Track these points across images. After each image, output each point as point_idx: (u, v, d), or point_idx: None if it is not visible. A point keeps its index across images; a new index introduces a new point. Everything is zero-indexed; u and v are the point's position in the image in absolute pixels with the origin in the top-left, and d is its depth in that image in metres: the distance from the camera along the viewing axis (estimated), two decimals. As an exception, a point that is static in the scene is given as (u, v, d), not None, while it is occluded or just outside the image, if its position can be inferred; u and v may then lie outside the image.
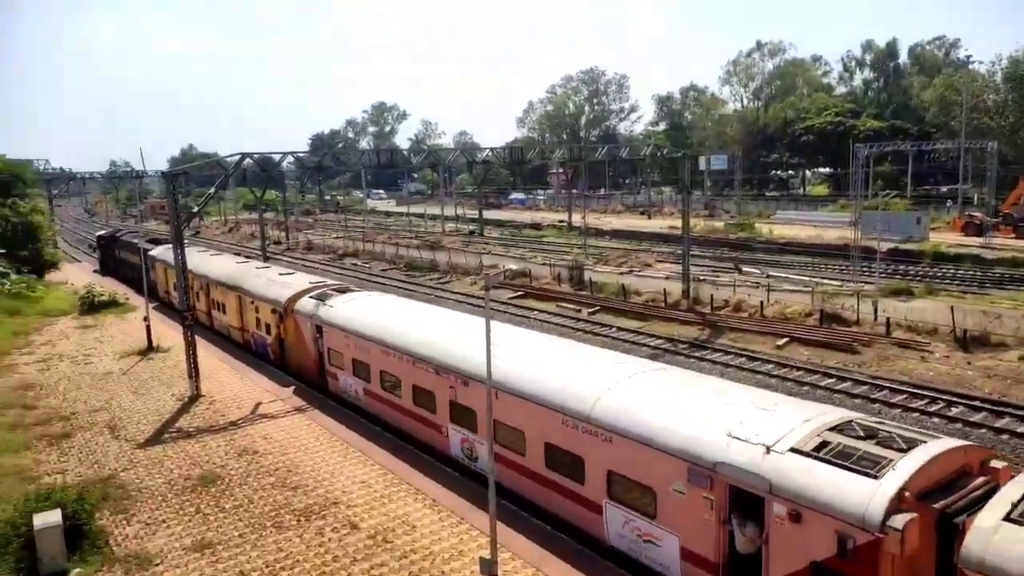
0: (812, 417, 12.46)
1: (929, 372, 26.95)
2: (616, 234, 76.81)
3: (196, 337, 27.05)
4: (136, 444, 21.49)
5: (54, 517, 14.82)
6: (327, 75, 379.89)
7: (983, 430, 21.69)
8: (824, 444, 11.53)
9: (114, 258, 59.53)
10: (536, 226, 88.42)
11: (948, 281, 44.72)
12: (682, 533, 12.74)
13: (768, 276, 46.58)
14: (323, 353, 25.56)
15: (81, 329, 38.25)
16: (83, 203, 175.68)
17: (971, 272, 47.33)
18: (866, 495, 10.29)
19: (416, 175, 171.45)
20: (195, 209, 39.67)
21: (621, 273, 50.39)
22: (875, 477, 10.49)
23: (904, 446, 11.13)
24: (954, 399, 23.96)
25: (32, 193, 72.21)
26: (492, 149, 44.08)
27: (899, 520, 9.77)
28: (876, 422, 12.63)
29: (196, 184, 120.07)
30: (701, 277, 43.90)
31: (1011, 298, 37.75)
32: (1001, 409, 22.98)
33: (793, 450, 11.50)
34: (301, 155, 36.08)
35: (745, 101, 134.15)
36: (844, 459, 11.06)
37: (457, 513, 16.52)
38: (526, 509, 16.30)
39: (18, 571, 14.59)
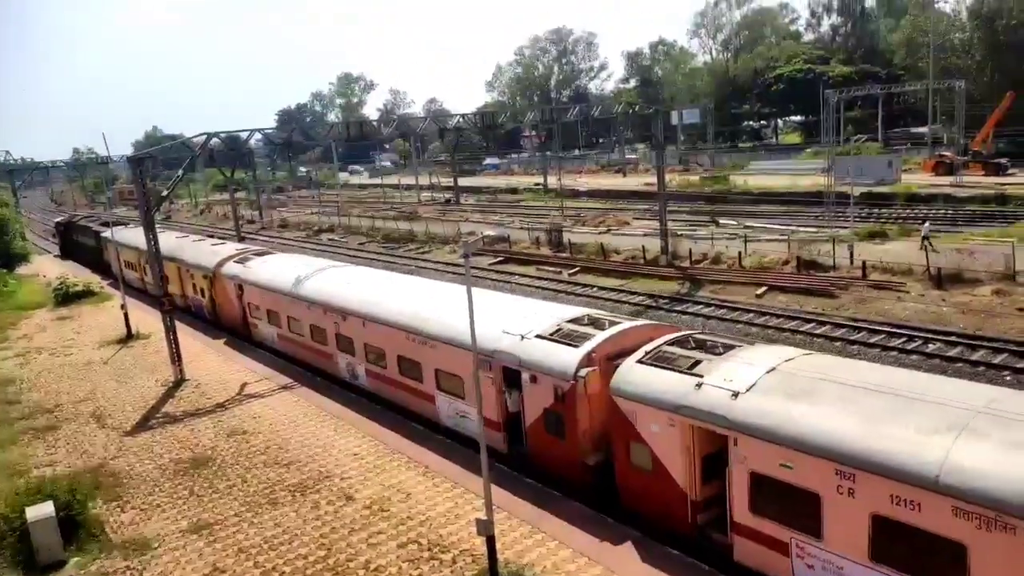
0: (560, 314, 17.67)
1: (905, 311, 27.44)
2: (592, 194, 76.69)
3: (176, 322, 26.80)
4: (124, 432, 21.39)
5: (47, 509, 14.78)
6: (289, 46, 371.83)
7: (960, 364, 22.20)
8: (558, 330, 16.44)
9: (72, 242, 63.27)
10: (512, 190, 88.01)
11: (921, 222, 45.25)
12: (478, 405, 15.30)
13: (745, 227, 46.90)
14: (245, 307, 30.00)
15: (58, 321, 37.72)
16: (49, 193, 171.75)
17: (943, 211, 47.96)
18: (569, 359, 15.15)
19: (388, 146, 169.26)
20: (164, 193, 38.91)
21: (599, 233, 50.47)
22: (576, 347, 15.40)
23: (605, 326, 16.29)
24: (930, 336, 24.47)
25: (-5, 186, 70.55)
26: (463, 115, 43.59)
27: (584, 372, 14.67)
28: (607, 314, 18.39)
29: (164, 167, 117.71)
30: (679, 232, 44.08)
31: (983, 234, 38.35)
32: (976, 343, 23.52)
33: (538, 336, 16.40)
34: (269, 131, 35.46)
35: (714, 53, 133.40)
36: (564, 338, 16.00)
37: (450, 478, 16.69)
38: (402, 413, 20.46)
39: (16, 564, 14.59)
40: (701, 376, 12.91)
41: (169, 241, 37.98)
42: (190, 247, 37.36)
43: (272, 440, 19.81)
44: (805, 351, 15.15)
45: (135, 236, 38.87)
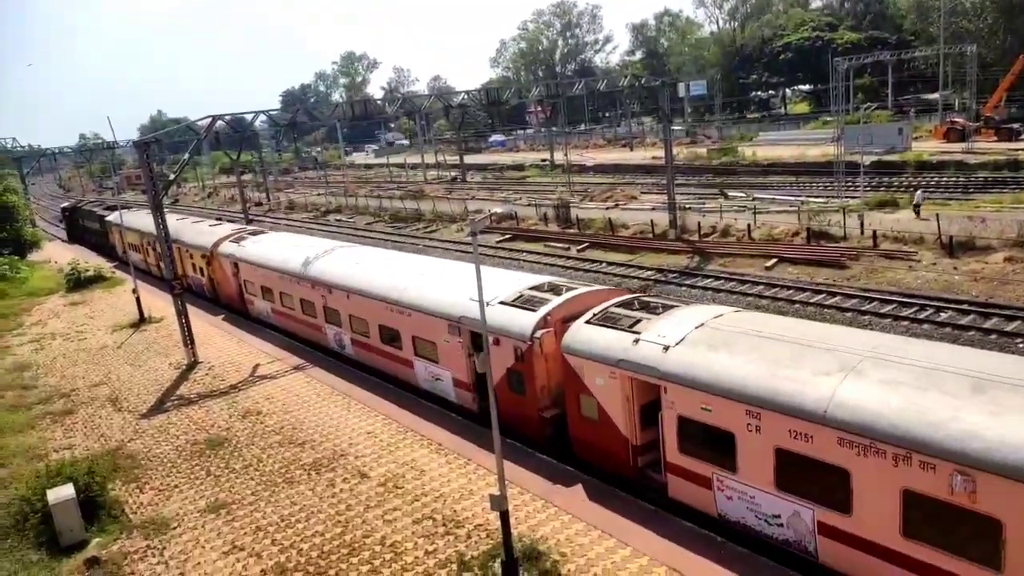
0: (525, 282, 18.97)
1: (917, 280, 27.28)
2: (599, 169, 76.25)
3: (188, 305, 26.98)
4: (139, 414, 21.65)
5: (67, 491, 15.03)
6: (293, 26, 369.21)
7: (972, 332, 22.11)
8: (520, 296, 17.72)
9: (78, 226, 65.14)
10: (519, 167, 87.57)
11: (932, 189, 44.82)
12: (451, 368, 19.09)
13: (754, 199, 46.55)
14: (241, 284, 31.26)
15: (70, 306, 38.03)
16: (56, 179, 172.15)
17: (954, 178, 47.44)
18: (527, 322, 16.60)
19: (393, 125, 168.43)
20: (171, 177, 39.02)
21: (607, 208, 50.24)
22: (534, 311, 16.81)
23: (562, 291, 17.54)
24: (943, 304, 24.36)
25: (3, 173, 70.79)
26: (467, 92, 43.15)
27: (539, 333, 16.27)
28: (567, 281, 19.64)
29: (170, 151, 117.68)
30: (687, 205, 43.82)
31: (995, 200, 37.94)
32: (988, 311, 23.40)
33: (501, 302, 17.67)
34: (273, 113, 35.29)
35: (721, 23, 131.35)
36: (524, 303, 17.32)
37: (464, 455, 16.84)
38: (382, 378, 22.04)
39: (39, 545, 14.87)
40: (639, 333, 14.33)
41: (169, 223, 38.84)
42: (188, 228, 38.39)
43: (286, 420, 20.00)
44: (736, 308, 17.04)
45: (138, 219, 40.95)
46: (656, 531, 13.06)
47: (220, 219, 44.64)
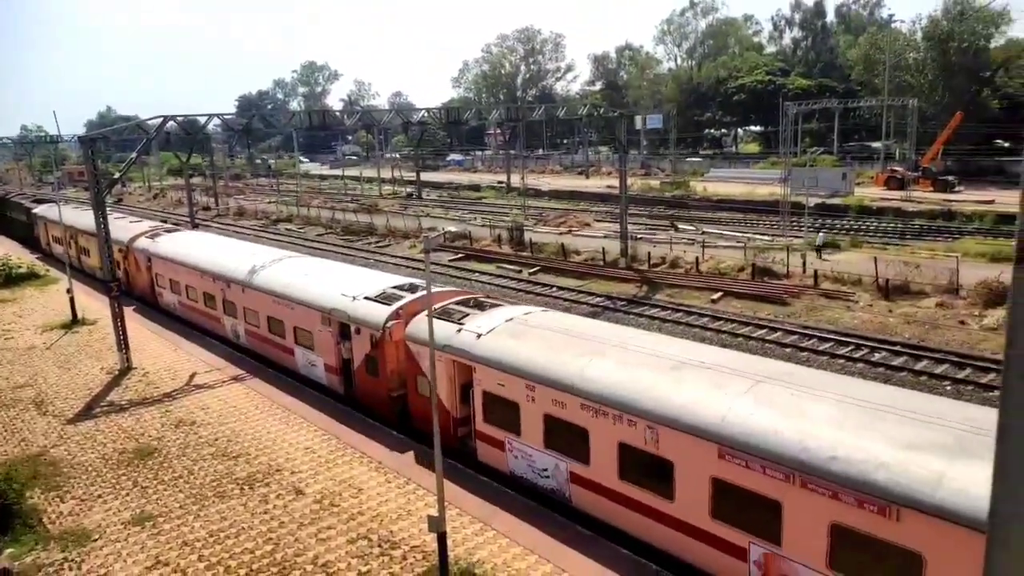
0: (389, 281, 21.81)
1: (854, 320, 28.20)
2: (555, 194, 76.96)
3: (125, 308, 26.08)
4: (65, 419, 20.73)
5: (-20, 498, 14.24)
6: (253, 33, 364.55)
7: (903, 373, 22.92)
8: (382, 293, 20.39)
9: (4, 217, 64.76)
10: (475, 187, 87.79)
11: (872, 234, 46.61)
12: (323, 355, 21.70)
13: (703, 233, 47.60)
14: (153, 278, 33.22)
15: (-2, 303, 36.36)
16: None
17: (893, 224, 49.41)
18: (381, 314, 19.29)
19: (350, 137, 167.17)
20: (116, 175, 37.88)
21: (560, 233, 50.68)
22: (388, 305, 19.49)
23: (416, 290, 20.09)
24: (877, 345, 25.20)
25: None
26: (428, 110, 43.15)
27: (390, 323, 18.86)
28: (424, 283, 20.73)
29: (117, 149, 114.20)
30: (638, 235, 44.56)
31: (929, 248, 39.64)
32: (920, 353, 24.31)
33: (365, 297, 20.34)
34: (228, 117, 34.67)
35: (679, 60, 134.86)
36: (383, 299, 19.97)
37: (403, 474, 16.59)
38: (270, 365, 24.33)
39: (-56, 555, 14.01)
40: (463, 324, 17.02)
41: (91, 218, 39.45)
42: (110, 225, 38.04)
43: (221, 432, 19.41)
44: (544, 308, 20.42)
45: (65, 213, 41.90)
46: (593, 557, 13.06)
47: (140, 219, 46.35)
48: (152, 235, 35.24)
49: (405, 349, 18.20)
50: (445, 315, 17.55)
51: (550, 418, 14.37)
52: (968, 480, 9.18)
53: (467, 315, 17.45)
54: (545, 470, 14.82)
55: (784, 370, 13.45)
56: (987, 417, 10.17)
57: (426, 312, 16.50)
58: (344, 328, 20.54)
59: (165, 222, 48.08)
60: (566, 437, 14.09)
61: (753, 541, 11.39)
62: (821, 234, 39.22)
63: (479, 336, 16.29)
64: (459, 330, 16.72)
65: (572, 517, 14.40)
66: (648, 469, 12.72)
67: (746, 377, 12.57)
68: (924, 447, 9.95)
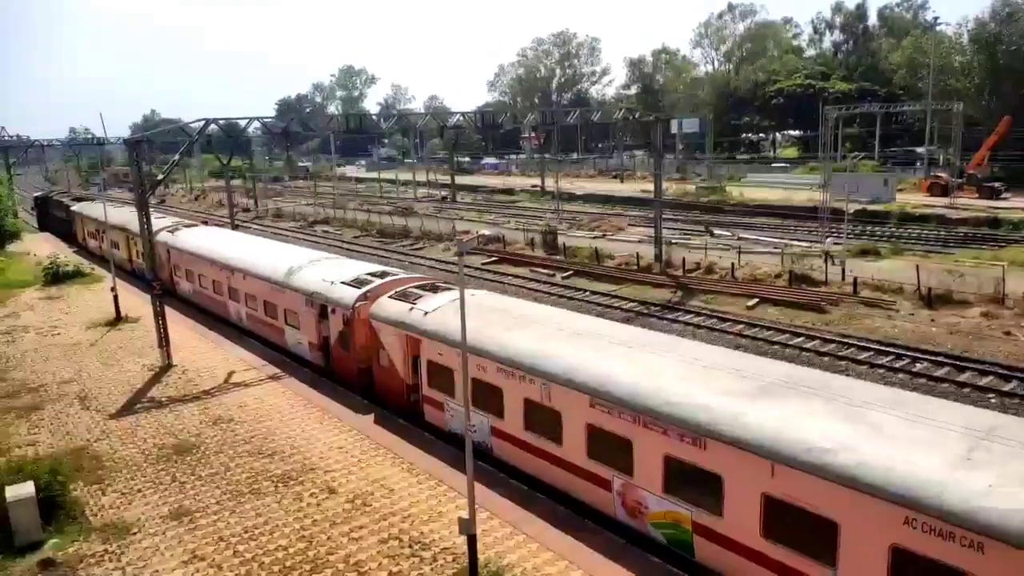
0: (364, 268, 24.72)
1: (894, 329, 27.57)
2: (589, 198, 76.76)
3: (165, 307, 26.68)
4: (108, 415, 21.27)
5: (26, 489, 14.67)
6: (293, 37, 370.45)
7: (946, 384, 22.31)
8: (356, 278, 22.99)
9: (48, 215, 70.01)
10: (509, 191, 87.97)
11: (914, 241, 45.55)
12: (307, 333, 24.50)
13: (739, 238, 47.02)
14: (172, 268, 36.20)
15: (46, 300, 37.47)
16: (43, 171, 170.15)
17: (936, 232, 48.24)
18: (351, 295, 22.00)
19: (387, 140, 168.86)
20: (160, 177, 38.85)
21: (594, 237, 50.50)
22: (359, 288, 22.14)
23: (386, 276, 23.00)
24: (918, 355, 24.59)
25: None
26: (463, 114, 43.40)
27: (359, 304, 21.42)
28: (395, 270, 25.33)
29: (160, 152, 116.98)
30: (673, 240, 44.17)
31: (974, 256, 38.58)
32: (963, 364, 23.65)
33: (342, 282, 23.04)
34: (267, 120, 35.31)
35: (716, 64, 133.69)
36: (356, 283, 22.56)
37: (435, 476, 16.68)
38: (267, 344, 27.29)
39: (-8, 543, 14.46)
40: (415, 304, 19.48)
41: (121, 214, 44.36)
42: (135, 219, 40.07)
43: (257, 430, 19.73)
44: (488, 291, 23.64)
45: (100, 211, 43.98)
46: (625, 566, 12.95)
47: (164, 214, 49.93)
48: (172, 229, 38.03)
49: (370, 326, 20.73)
50: (403, 297, 20.24)
51: (476, 381, 16.27)
52: (762, 417, 11.54)
53: (420, 296, 19.97)
54: (473, 426, 15.82)
55: (649, 339, 16.37)
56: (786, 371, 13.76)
57: (388, 295, 20.62)
58: (323, 309, 23.25)
59: (206, 223, 49.06)
60: (488, 396, 16.45)
61: (615, 474, 13.84)
62: (830, 240, 38.24)
63: (426, 314, 18.81)
64: (411, 309, 19.39)
65: (495, 464, 16.79)
66: (543, 419, 15.24)
67: (623, 345, 15.34)
68: (735, 394, 12.36)
